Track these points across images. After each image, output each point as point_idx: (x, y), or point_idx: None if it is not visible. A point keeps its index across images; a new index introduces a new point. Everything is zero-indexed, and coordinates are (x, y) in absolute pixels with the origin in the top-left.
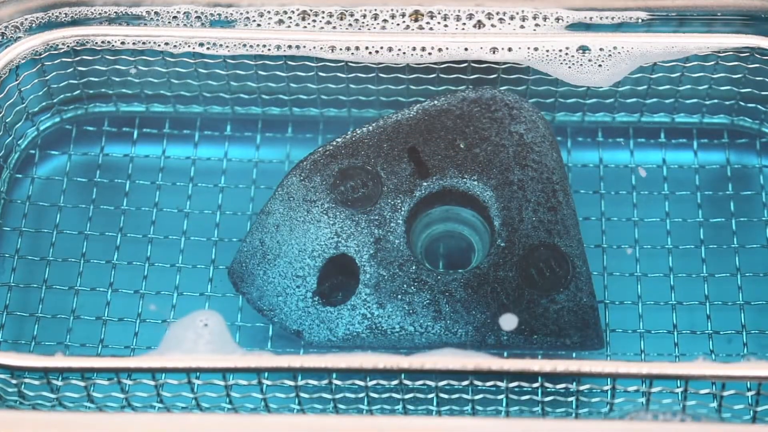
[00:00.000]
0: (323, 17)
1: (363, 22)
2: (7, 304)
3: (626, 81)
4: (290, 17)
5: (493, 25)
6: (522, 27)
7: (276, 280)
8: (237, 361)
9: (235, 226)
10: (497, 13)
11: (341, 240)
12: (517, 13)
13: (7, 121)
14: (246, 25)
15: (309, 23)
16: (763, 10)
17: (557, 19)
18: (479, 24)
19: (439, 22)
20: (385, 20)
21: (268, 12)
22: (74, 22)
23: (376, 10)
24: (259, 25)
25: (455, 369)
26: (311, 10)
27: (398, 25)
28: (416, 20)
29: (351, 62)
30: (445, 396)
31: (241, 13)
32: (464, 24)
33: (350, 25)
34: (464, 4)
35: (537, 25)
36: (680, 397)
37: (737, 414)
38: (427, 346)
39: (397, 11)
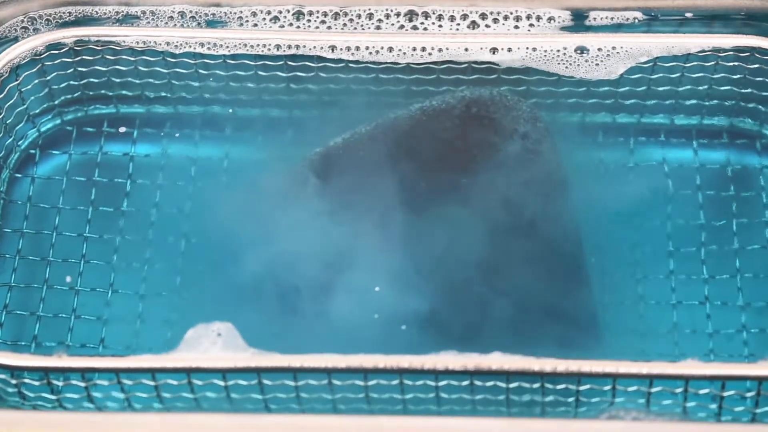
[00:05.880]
0: (318, 17)
1: (358, 22)
2: (7, 303)
3: (626, 81)
4: (285, 17)
5: (487, 26)
6: (516, 27)
7: None
8: (237, 361)
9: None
10: (491, 13)
11: (340, 240)
12: (511, 13)
13: (7, 122)
14: (241, 24)
15: (303, 23)
16: (763, 10)
17: (549, 19)
18: (473, 24)
19: (433, 23)
20: (380, 20)
21: (262, 11)
22: (75, 22)
23: (370, 9)
24: (255, 25)
25: (455, 369)
26: (306, 10)
27: (393, 24)
28: (411, 20)
29: (351, 63)
30: (445, 396)
31: (235, 13)
32: (458, 24)
33: (344, 24)
34: (458, 4)
35: (531, 25)
36: (681, 398)
37: (737, 414)
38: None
39: (392, 11)
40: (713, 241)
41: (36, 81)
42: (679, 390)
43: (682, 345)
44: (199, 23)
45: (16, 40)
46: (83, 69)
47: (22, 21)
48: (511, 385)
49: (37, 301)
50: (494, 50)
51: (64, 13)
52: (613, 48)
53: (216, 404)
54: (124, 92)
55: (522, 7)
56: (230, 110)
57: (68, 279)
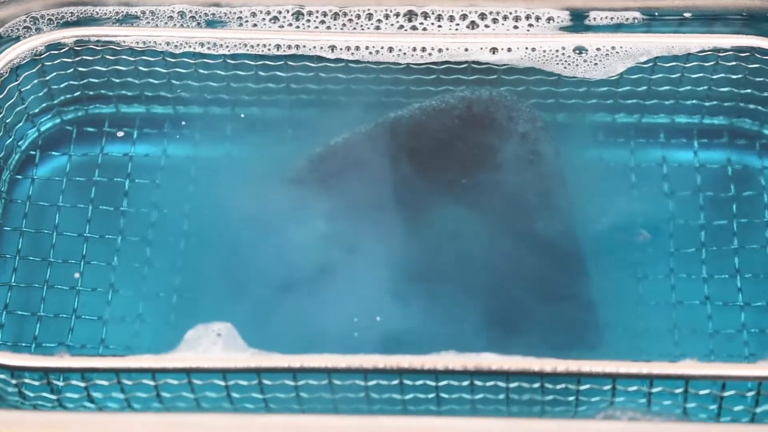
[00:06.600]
0: (317, 17)
1: (358, 22)
2: (7, 303)
3: (626, 81)
4: (285, 17)
5: (486, 26)
6: (515, 27)
7: None
8: (237, 362)
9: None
10: (490, 13)
11: (339, 240)
12: (510, 13)
13: (7, 122)
14: (240, 24)
15: (303, 23)
16: (763, 10)
17: (549, 19)
18: (473, 24)
19: (432, 23)
20: (379, 20)
21: (261, 11)
22: (77, 22)
23: (370, 9)
24: (255, 25)
25: (455, 369)
26: (305, 10)
27: (392, 25)
28: (410, 20)
29: (351, 63)
30: (445, 396)
31: (235, 13)
32: (458, 24)
33: (344, 25)
34: (457, 4)
35: (530, 25)
36: (681, 398)
37: (737, 414)
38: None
39: (392, 11)
40: (713, 240)
41: (36, 81)
42: (679, 390)
43: (682, 345)
44: (199, 23)
45: (18, 39)
46: (83, 69)
47: (24, 21)
48: (511, 385)
49: (37, 301)
50: (494, 50)
51: (66, 13)
52: (613, 48)
53: (216, 404)
54: (124, 92)
55: (521, 7)
56: (242, 115)
57: (76, 275)
